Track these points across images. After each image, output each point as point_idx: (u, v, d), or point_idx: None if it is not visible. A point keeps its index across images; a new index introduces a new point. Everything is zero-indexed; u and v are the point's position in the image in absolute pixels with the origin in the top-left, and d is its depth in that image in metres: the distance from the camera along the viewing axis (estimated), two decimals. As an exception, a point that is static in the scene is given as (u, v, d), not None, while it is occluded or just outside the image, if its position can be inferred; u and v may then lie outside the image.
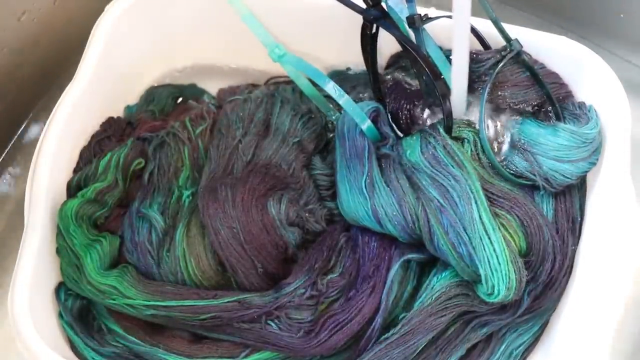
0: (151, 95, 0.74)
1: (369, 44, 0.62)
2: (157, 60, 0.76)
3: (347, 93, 0.61)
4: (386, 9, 0.58)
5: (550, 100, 0.61)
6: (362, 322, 0.55)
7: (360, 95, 0.70)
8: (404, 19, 0.61)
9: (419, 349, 0.55)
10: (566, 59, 0.62)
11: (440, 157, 0.57)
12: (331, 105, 0.68)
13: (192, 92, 0.76)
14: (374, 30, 0.61)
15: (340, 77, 0.73)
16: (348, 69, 0.74)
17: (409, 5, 0.60)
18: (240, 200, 0.57)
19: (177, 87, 0.76)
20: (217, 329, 0.57)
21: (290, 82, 0.69)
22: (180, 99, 0.75)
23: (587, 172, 0.59)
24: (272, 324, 0.56)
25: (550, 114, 0.61)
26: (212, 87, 0.76)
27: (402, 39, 0.57)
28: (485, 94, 0.59)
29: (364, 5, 0.58)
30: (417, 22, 0.60)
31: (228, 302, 0.55)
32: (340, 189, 0.60)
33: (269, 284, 0.58)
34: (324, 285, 0.56)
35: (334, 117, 0.68)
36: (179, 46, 0.76)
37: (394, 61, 0.68)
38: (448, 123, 0.59)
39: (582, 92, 0.63)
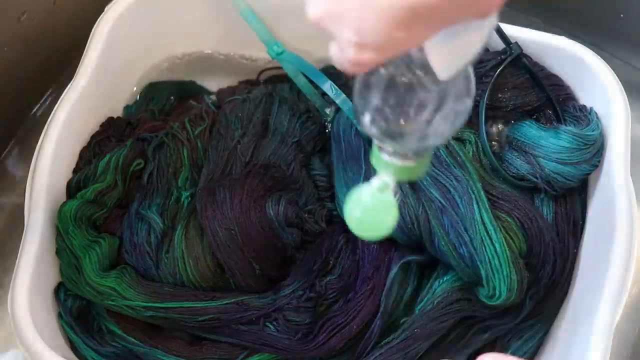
0: (150, 93, 0.74)
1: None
2: (157, 60, 0.76)
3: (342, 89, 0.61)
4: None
5: (550, 102, 0.61)
6: (361, 324, 0.55)
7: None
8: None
9: (420, 354, 0.55)
10: (566, 59, 0.62)
11: (442, 157, 0.57)
12: (328, 104, 0.68)
13: (192, 89, 0.76)
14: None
15: (335, 71, 0.72)
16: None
17: None
18: (239, 202, 0.57)
19: (176, 84, 0.75)
20: (216, 330, 0.57)
21: (285, 75, 0.69)
22: (180, 97, 0.75)
23: (588, 174, 0.59)
24: (270, 326, 0.56)
25: (551, 116, 0.61)
26: (212, 80, 0.76)
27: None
28: (486, 96, 0.59)
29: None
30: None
31: (226, 303, 0.55)
32: (338, 191, 0.60)
33: (267, 286, 0.58)
34: (323, 287, 0.56)
35: (330, 116, 0.68)
36: (179, 45, 0.76)
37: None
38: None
39: (582, 92, 0.62)
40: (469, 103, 0.36)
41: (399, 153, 0.39)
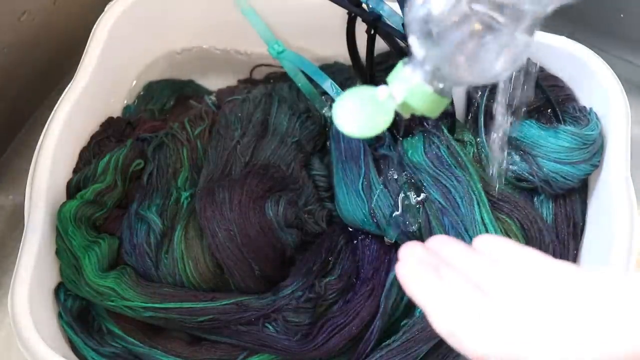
0: (150, 92, 0.74)
1: (354, 44, 0.62)
2: (155, 57, 0.76)
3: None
4: (367, 9, 0.58)
5: (550, 103, 0.61)
6: (361, 325, 0.55)
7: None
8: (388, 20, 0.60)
9: (420, 356, 0.55)
10: (566, 59, 0.62)
11: (443, 157, 0.56)
12: (328, 103, 0.68)
13: (191, 89, 0.76)
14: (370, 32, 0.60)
15: (332, 69, 0.73)
16: (336, 62, 0.73)
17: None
18: (238, 202, 0.57)
19: (176, 83, 0.75)
20: (215, 331, 0.57)
21: (284, 74, 0.69)
22: (180, 97, 0.75)
23: (588, 174, 0.58)
24: (270, 327, 0.56)
25: (550, 117, 0.61)
26: (211, 79, 0.76)
27: (402, 39, 0.57)
28: (485, 97, 0.59)
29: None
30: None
31: (226, 304, 0.55)
32: (337, 191, 0.60)
33: (266, 286, 0.58)
34: (322, 288, 0.56)
35: (329, 115, 0.67)
36: (178, 41, 0.76)
37: (383, 60, 0.67)
38: (451, 123, 0.58)
39: (582, 92, 0.62)
40: (524, 39, 0.35)
41: (425, 69, 0.37)
